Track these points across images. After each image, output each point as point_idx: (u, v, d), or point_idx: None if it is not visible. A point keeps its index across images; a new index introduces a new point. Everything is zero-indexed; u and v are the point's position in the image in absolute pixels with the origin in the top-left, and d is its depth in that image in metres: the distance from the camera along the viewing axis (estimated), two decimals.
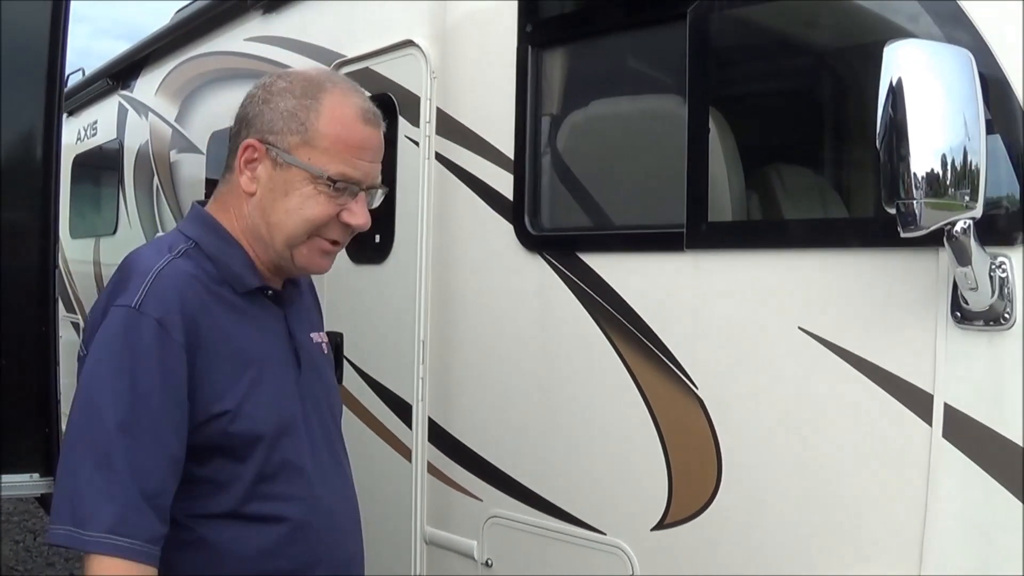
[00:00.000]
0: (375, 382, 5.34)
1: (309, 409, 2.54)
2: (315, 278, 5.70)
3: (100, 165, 9.91)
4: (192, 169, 7.75)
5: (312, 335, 2.68)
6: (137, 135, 8.91)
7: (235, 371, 2.36)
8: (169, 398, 2.24)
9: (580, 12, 4.58)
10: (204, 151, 7.54)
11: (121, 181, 9.23)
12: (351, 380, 5.49)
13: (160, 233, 8.17)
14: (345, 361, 5.53)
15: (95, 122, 10.06)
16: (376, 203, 2.60)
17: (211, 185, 7.35)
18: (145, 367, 2.23)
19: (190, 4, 8.37)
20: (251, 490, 2.38)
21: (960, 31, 3.22)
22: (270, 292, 2.53)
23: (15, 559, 7.91)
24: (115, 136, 9.47)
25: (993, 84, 3.18)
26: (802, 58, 4.06)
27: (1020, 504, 3.16)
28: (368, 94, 2.57)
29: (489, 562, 4.68)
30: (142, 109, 8.79)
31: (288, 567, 2.41)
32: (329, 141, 2.40)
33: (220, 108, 7.33)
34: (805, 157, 4.08)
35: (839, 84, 3.46)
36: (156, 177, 8.39)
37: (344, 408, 5.38)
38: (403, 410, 5.12)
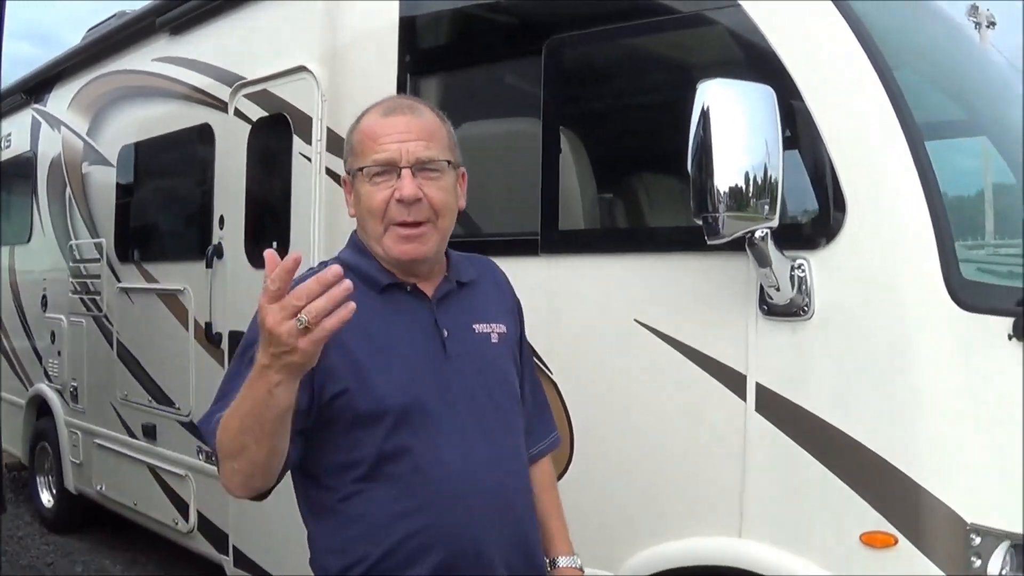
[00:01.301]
0: None
1: (456, 392, 2.59)
2: (216, 281, 6.06)
3: (14, 175, 9.95)
4: (103, 180, 7.93)
5: (476, 326, 2.71)
6: (50, 147, 9.02)
7: (364, 355, 2.49)
8: None
9: (452, 45, 4.96)
10: (114, 164, 7.72)
11: (35, 191, 9.33)
12: None
13: (72, 241, 8.42)
14: None
15: (9, 134, 10.08)
16: (449, 178, 2.62)
17: (121, 194, 7.58)
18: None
19: (102, 23, 8.58)
20: (377, 464, 2.48)
21: (771, 71, 3.66)
22: (409, 288, 2.62)
23: None
24: (28, 148, 9.55)
25: (799, 114, 3.65)
26: (641, 85, 4.45)
27: (822, 466, 3.61)
28: (414, 99, 2.76)
29: None
30: (55, 123, 8.91)
31: (411, 539, 2.49)
32: (360, 144, 2.60)
33: (129, 123, 7.57)
34: (649, 170, 4.45)
35: (676, 109, 3.82)
36: (69, 187, 8.53)
37: None
38: None
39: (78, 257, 8.35)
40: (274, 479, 2.43)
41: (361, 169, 2.55)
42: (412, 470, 2.49)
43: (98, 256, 7.93)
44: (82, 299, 8.22)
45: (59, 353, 8.72)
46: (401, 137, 2.52)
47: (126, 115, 7.69)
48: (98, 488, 8.02)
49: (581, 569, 3.01)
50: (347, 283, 2.02)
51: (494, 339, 2.73)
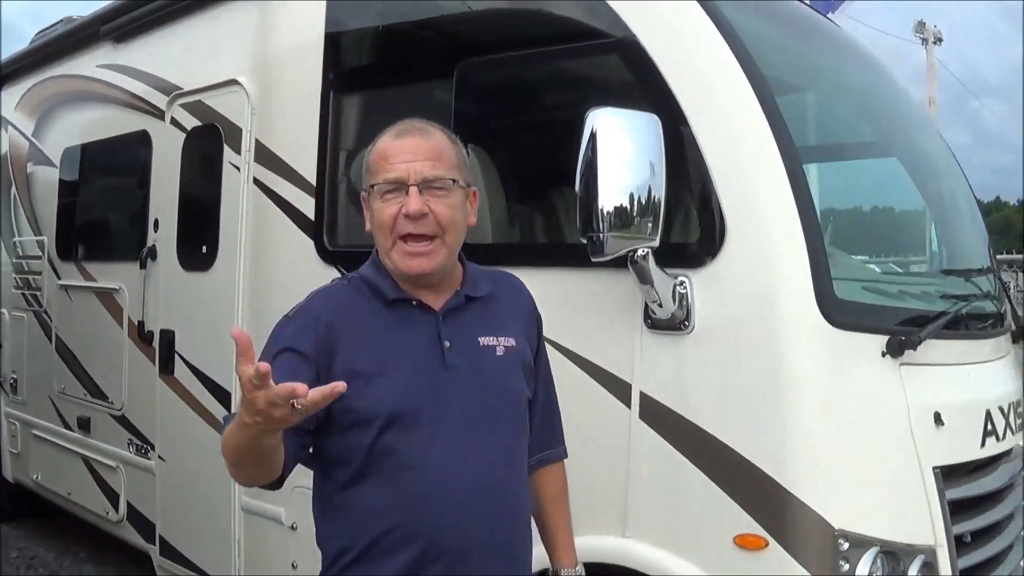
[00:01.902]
0: (201, 373, 5.73)
1: (451, 400, 2.68)
2: (150, 281, 6.13)
3: None
4: (47, 180, 8.01)
5: (482, 339, 2.78)
6: None
7: (365, 363, 2.62)
8: (286, 374, 2.44)
9: (373, 66, 5.10)
10: (58, 165, 7.80)
11: None
12: (182, 371, 5.86)
13: (16, 238, 8.50)
14: (177, 355, 5.91)
15: None
16: (456, 196, 2.72)
17: (64, 194, 7.63)
18: (276, 351, 2.64)
19: (49, 28, 8.64)
20: (368, 461, 2.62)
21: (663, 99, 3.83)
22: (414, 303, 2.73)
23: None
24: None
25: (687, 141, 3.81)
26: (544, 110, 4.60)
27: (700, 472, 3.77)
28: (425, 122, 2.85)
29: (294, 525, 5.08)
30: (2, 122, 8.92)
31: (394, 531, 2.63)
32: (374, 164, 2.71)
33: (73, 126, 7.67)
34: (549, 189, 4.55)
35: (575, 132, 3.95)
36: (14, 186, 8.59)
37: (173, 394, 5.82)
38: (224, 396, 5.52)
39: (21, 254, 8.43)
40: (276, 476, 2.59)
41: (373, 186, 2.68)
42: (397, 469, 2.62)
43: (40, 253, 8.00)
44: (24, 294, 8.29)
45: (0, 346, 8.77)
46: (410, 157, 2.65)
47: (70, 118, 7.78)
48: (35, 477, 8.09)
49: None
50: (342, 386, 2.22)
51: (499, 352, 2.81)
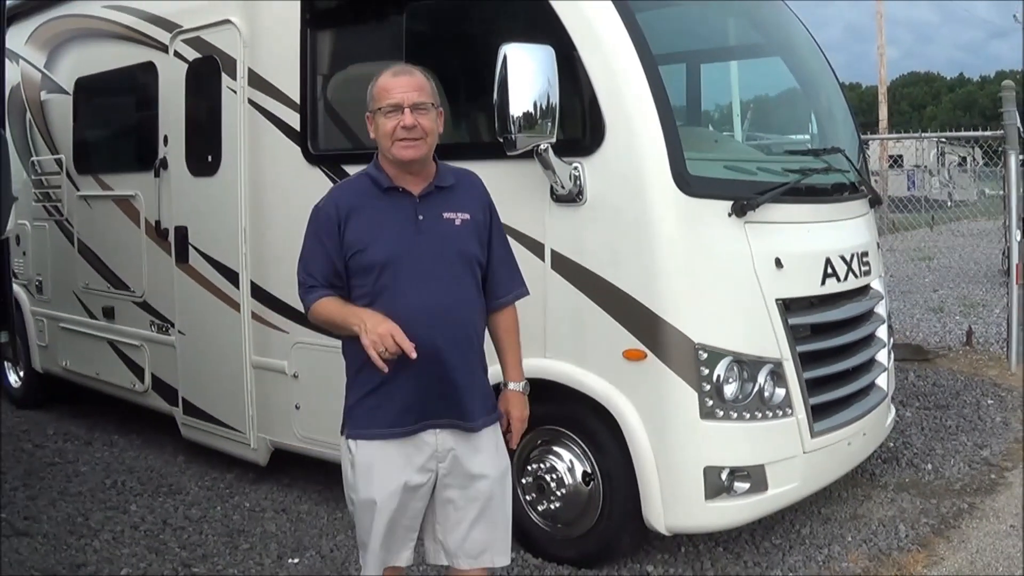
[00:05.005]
0: (212, 259, 6.81)
1: (422, 253, 3.65)
2: (163, 187, 7.17)
3: None
4: (61, 106, 8.82)
5: (446, 214, 3.73)
6: (9, 77, 9.32)
7: (369, 229, 3.65)
8: (325, 244, 3.69)
9: (340, 7, 6.21)
10: (71, 92, 8.62)
11: None
12: (196, 260, 6.93)
13: (34, 158, 9.25)
14: (191, 247, 6.97)
15: None
16: (432, 113, 3.67)
17: (78, 118, 8.52)
18: (314, 231, 3.74)
19: None
20: (373, 293, 3.64)
21: (559, 33, 4.98)
22: (400, 189, 3.70)
23: None
24: None
25: (577, 62, 4.98)
26: (476, 40, 5.71)
27: (596, 305, 4.97)
28: (410, 66, 3.76)
29: (296, 374, 6.23)
30: (13, 56, 9.29)
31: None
32: (378, 94, 3.66)
33: (84, 58, 8.51)
34: (484, 101, 5.25)
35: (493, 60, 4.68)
36: (28, 112, 9.31)
37: (189, 279, 6.97)
38: (233, 277, 6.63)
39: (39, 171, 9.17)
40: None
41: (379, 108, 3.66)
42: (391, 297, 3.62)
43: (58, 170, 8.80)
44: (44, 206, 9.07)
45: (24, 253, 9.49)
46: (403, 89, 3.65)
47: (80, 52, 8.56)
48: (63, 364, 8.94)
49: (524, 391, 4.03)
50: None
51: (457, 223, 3.76)
